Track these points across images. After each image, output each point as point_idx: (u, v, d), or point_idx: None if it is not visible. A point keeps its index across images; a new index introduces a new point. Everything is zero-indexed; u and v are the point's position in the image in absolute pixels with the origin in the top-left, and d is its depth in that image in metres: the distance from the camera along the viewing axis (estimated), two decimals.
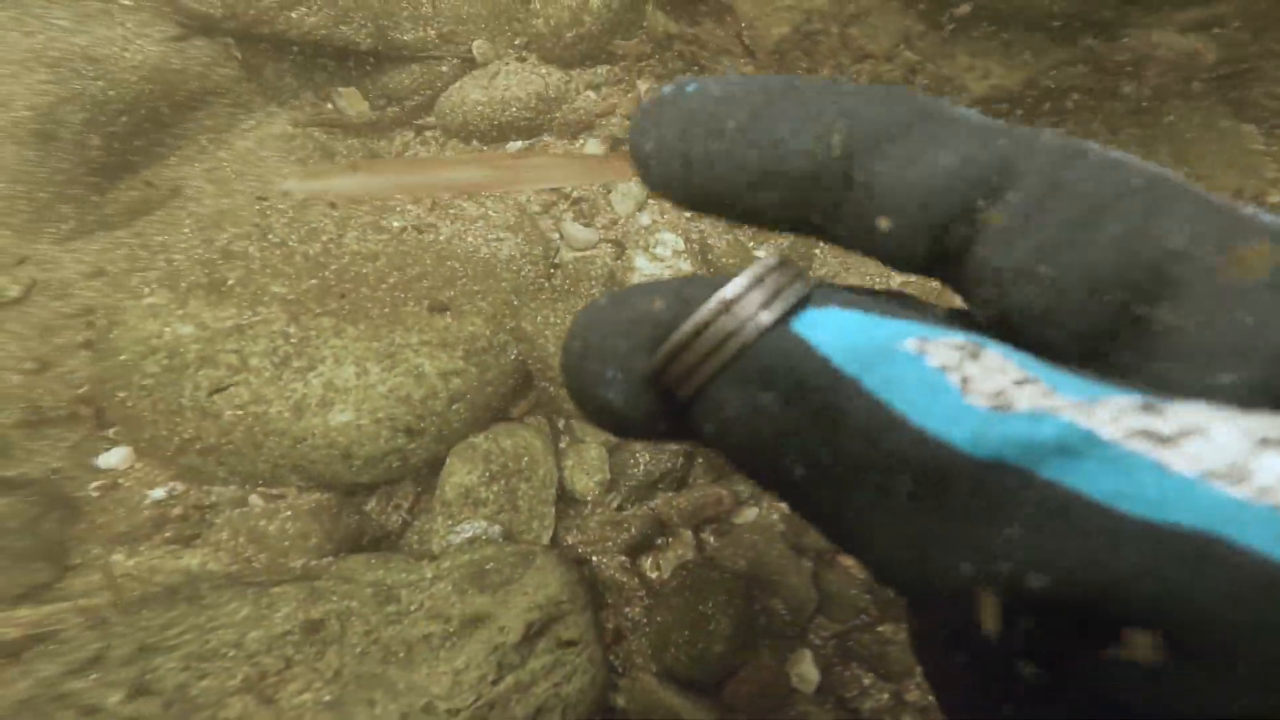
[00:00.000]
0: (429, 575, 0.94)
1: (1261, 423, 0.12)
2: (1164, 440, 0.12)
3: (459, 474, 1.03)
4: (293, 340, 0.97)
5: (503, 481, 1.05)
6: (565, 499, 1.09)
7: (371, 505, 1.08)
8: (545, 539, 1.06)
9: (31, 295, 1.09)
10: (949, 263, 0.16)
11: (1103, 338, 0.15)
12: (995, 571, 0.13)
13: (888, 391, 0.14)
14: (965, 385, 0.13)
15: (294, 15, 1.35)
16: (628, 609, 1.02)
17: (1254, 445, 0.11)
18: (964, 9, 0.93)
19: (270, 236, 1.07)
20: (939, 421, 0.13)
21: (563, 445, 1.11)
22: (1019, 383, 0.13)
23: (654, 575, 1.05)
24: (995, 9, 0.92)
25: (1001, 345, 0.14)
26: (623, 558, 1.06)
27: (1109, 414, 0.12)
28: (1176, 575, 0.11)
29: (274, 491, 1.01)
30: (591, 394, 0.17)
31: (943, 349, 0.14)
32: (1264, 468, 0.11)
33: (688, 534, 1.07)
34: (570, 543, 1.09)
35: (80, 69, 1.18)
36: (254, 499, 1.01)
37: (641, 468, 1.07)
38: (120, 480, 1.02)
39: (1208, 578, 0.11)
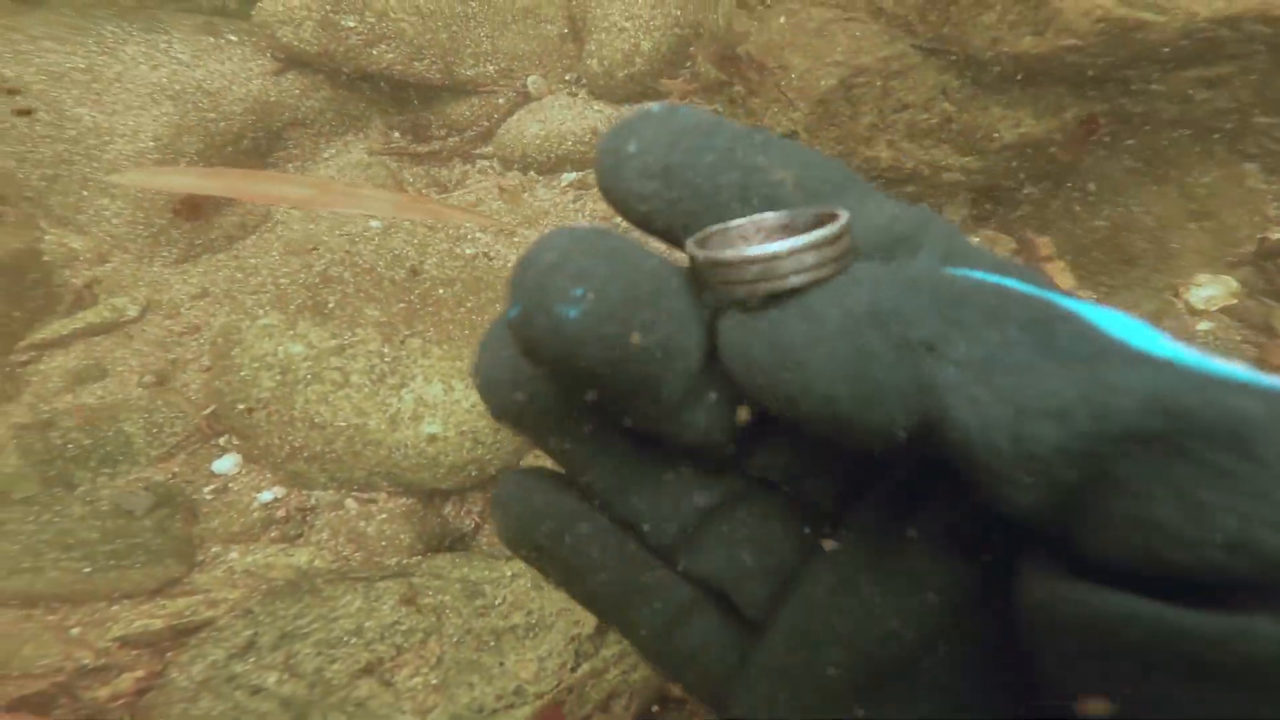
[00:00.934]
0: (508, 573, 1.07)
1: None
2: None
3: None
4: (387, 359, 1.10)
5: None
6: None
7: (449, 509, 1.21)
8: None
9: (147, 314, 1.24)
10: None
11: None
12: (1074, 402, 0.14)
13: (1107, 321, 0.14)
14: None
15: (374, 52, 1.49)
16: None
17: None
18: (997, 70, 1.05)
19: (360, 262, 1.21)
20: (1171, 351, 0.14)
21: None
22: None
23: None
24: (1027, 68, 1.04)
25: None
26: None
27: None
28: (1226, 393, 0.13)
29: (366, 496, 1.15)
30: (548, 310, 0.16)
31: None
32: None
33: None
34: None
35: (197, 101, 1.32)
36: (349, 502, 1.14)
37: None
38: (230, 485, 1.16)
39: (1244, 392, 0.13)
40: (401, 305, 1.15)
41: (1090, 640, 0.14)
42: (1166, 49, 0.98)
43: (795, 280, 0.16)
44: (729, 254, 0.16)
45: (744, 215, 0.18)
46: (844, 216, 0.17)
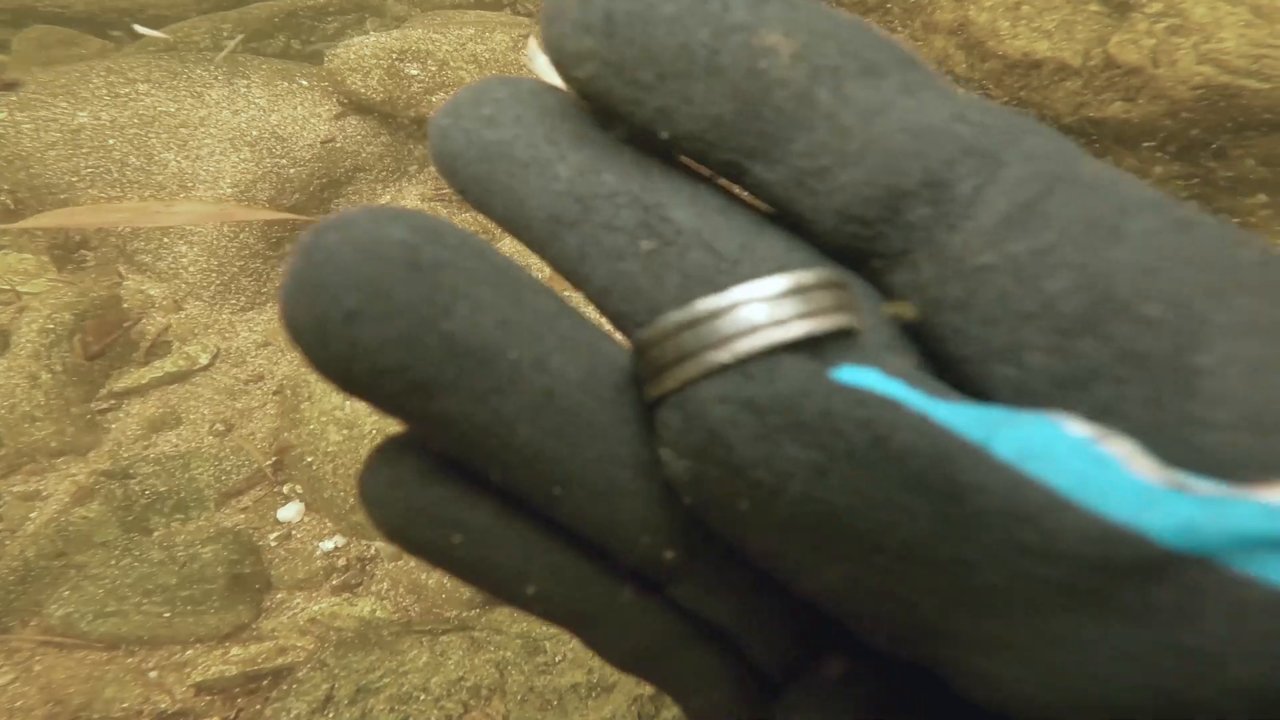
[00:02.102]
0: None
1: None
2: None
3: None
4: None
5: None
6: None
7: None
8: None
9: (216, 362, 1.31)
10: (888, 249, 0.14)
11: (1073, 384, 0.12)
12: (1190, 677, 0.11)
13: (1034, 464, 0.11)
14: (1127, 459, 0.11)
15: (434, 99, 1.56)
16: None
17: None
18: (1079, 132, 1.06)
19: None
20: (1120, 505, 0.11)
21: None
22: (1163, 467, 0.11)
23: None
24: (1114, 132, 1.05)
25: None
26: None
27: None
28: None
29: None
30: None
31: (1079, 421, 0.12)
32: None
33: None
34: None
35: (271, 147, 1.39)
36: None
37: None
38: (294, 532, 1.22)
39: None
40: None
41: None
42: (1267, 114, 0.99)
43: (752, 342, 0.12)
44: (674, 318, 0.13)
45: (716, 95, 0.14)
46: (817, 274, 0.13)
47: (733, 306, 0.13)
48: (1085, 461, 0.11)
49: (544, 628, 1.09)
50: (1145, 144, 1.04)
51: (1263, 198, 1.11)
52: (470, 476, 0.15)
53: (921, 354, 0.14)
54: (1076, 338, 0.12)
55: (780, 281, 0.13)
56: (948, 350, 0.14)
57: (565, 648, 1.08)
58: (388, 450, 0.16)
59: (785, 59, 0.13)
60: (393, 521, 0.16)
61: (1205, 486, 0.11)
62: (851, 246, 0.14)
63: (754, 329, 0.12)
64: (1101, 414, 0.12)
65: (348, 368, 0.13)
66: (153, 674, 1.07)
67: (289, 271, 0.13)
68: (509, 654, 1.05)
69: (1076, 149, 0.14)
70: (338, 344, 0.13)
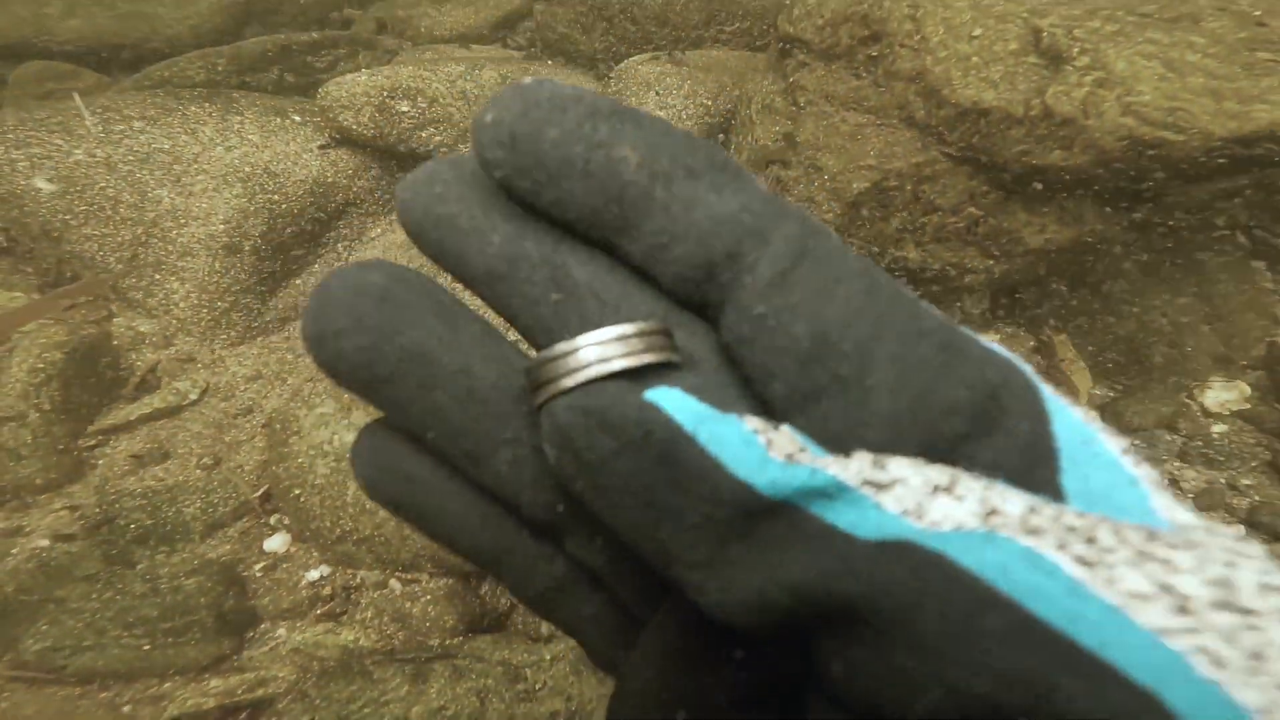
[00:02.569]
0: (548, 657, 1.14)
1: (937, 474, 0.17)
2: (881, 487, 0.17)
3: None
4: None
5: None
6: None
7: (485, 589, 1.28)
8: None
9: (205, 397, 1.34)
10: (712, 300, 0.20)
11: (810, 397, 0.19)
12: (782, 583, 0.17)
13: (715, 445, 0.18)
14: (770, 445, 0.18)
15: (424, 134, 1.62)
16: None
17: (929, 491, 0.17)
18: (1024, 179, 1.14)
19: None
20: (749, 470, 0.17)
21: None
22: (801, 449, 0.18)
23: None
24: (1054, 179, 1.13)
25: (790, 426, 0.19)
26: None
27: (855, 468, 0.17)
28: (881, 571, 0.16)
29: (410, 576, 1.22)
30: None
31: (755, 420, 0.18)
32: (934, 507, 0.16)
33: None
34: None
35: (263, 183, 1.44)
36: (393, 583, 1.22)
37: None
38: (280, 563, 1.24)
39: (897, 566, 0.16)
40: None
41: None
42: (1185, 165, 1.07)
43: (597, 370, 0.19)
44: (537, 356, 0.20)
45: (588, 191, 0.20)
46: (643, 325, 0.20)
47: (576, 349, 0.19)
48: (741, 443, 0.18)
49: (525, 655, 1.12)
50: (1080, 191, 1.12)
51: (1201, 239, 1.20)
52: (424, 448, 0.23)
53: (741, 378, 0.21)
54: (810, 365, 0.19)
55: (611, 331, 0.19)
56: (747, 373, 0.20)
57: (545, 675, 1.10)
58: (371, 428, 0.24)
59: (633, 166, 0.19)
60: (369, 476, 0.23)
61: (809, 459, 0.18)
62: (690, 298, 0.21)
63: (588, 365, 0.19)
64: (823, 419, 0.19)
65: (336, 366, 0.21)
66: (126, 708, 1.07)
67: (308, 302, 0.21)
68: (490, 682, 1.07)
69: (824, 230, 0.20)
70: (330, 350, 0.21)
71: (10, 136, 1.43)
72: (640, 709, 0.22)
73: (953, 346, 0.19)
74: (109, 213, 1.37)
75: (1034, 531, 0.16)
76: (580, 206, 0.20)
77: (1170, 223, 1.17)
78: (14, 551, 1.18)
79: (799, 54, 1.51)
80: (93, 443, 1.26)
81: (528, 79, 0.21)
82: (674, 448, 0.18)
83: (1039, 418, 0.18)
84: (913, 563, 0.16)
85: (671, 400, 0.18)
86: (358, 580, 1.22)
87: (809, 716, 0.20)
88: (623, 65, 1.81)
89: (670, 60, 1.81)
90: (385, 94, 1.61)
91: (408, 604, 1.17)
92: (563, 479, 0.20)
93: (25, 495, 1.22)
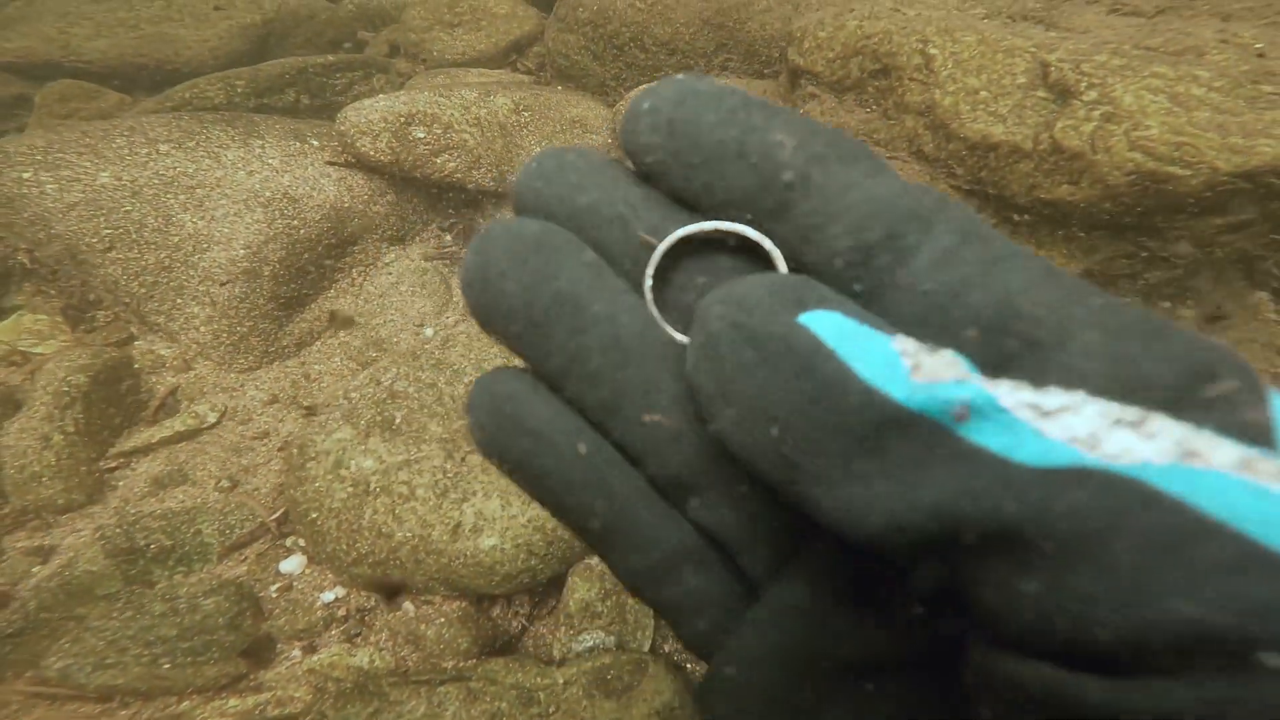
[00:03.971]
0: (560, 680, 1.17)
1: (1122, 410, 0.16)
2: (1045, 413, 0.16)
3: (580, 590, 1.27)
4: (450, 475, 1.23)
5: (614, 597, 1.28)
6: None
7: (497, 612, 1.32)
8: (645, 646, 1.29)
9: (224, 420, 1.39)
10: (865, 283, 0.20)
11: (999, 367, 0.18)
12: (919, 504, 0.16)
13: (853, 358, 0.17)
14: (915, 368, 0.17)
15: (439, 161, 1.68)
16: None
17: (1110, 424, 0.16)
18: (1032, 211, 1.18)
19: (422, 377, 1.35)
20: (885, 382, 0.17)
21: None
22: (950, 365, 0.17)
23: None
24: (1062, 211, 1.17)
25: (955, 352, 0.18)
26: None
27: (1008, 388, 0.17)
28: (1056, 495, 0.15)
29: (423, 599, 1.26)
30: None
31: (908, 341, 0.18)
32: (1112, 439, 0.16)
33: None
34: (667, 650, 1.31)
35: (283, 208, 1.49)
36: (407, 605, 1.26)
37: None
38: (295, 584, 1.28)
39: (1078, 490, 0.15)
40: (462, 421, 1.28)
41: (1012, 701, 0.17)
42: (1191, 199, 1.11)
43: None
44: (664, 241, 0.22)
45: (743, 173, 0.21)
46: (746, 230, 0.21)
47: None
48: (882, 358, 0.18)
49: (538, 678, 1.15)
50: (1088, 224, 1.16)
51: (1206, 274, 1.23)
52: (551, 403, 0.23)
53: None
54: (996, 333, 0.19)
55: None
56: None
57: (559, 698, 1.13)
58: (490, 380, 0.24)
59: (789, 150, 0.20)
60: (488, 430, 0.24)
61: (949, 378, 0.17)
62: (840, 281, 0.21)
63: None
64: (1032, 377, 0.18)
65: (497, 306, 0.23)
66: None
67: (468, 250, 0.23)
68: (504, 705, 1.11)
69: (980, 218, 0.21)
70: (494, 290, 0.23)
71: (39, 159, 1.49)
72: (763, 672, 0.22)
73: (1155, 320, 0.18)
74: (134, 237, 1.43)
75: (1250, 471, 0.15)
76: (734, 189, 0.21)
77: (1176, 255, 1.21)
78: (35, 570, 1.23)
79: (808, 85, 1.56)
80: (114, 464, 1.31)
81: (680, 75, 0.22)
82: (812, 360, 0.18)
83: (1257, 398, 0.17)
84: (1098, 487, 0.15)
85: (823, 321, 0.18)
86: (372, 602, 1.26)
87: (964, 674, 0.19)
88: (634, 93, 1.86)
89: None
90: (402, 121, 1.66)
91: (422, 626, 1.21)
92: (695, 388, 0.20)
93: (47, 515, 1.27)
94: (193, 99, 1.96)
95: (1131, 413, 0.16)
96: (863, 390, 0.17)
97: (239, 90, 2.02)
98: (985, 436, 0.16)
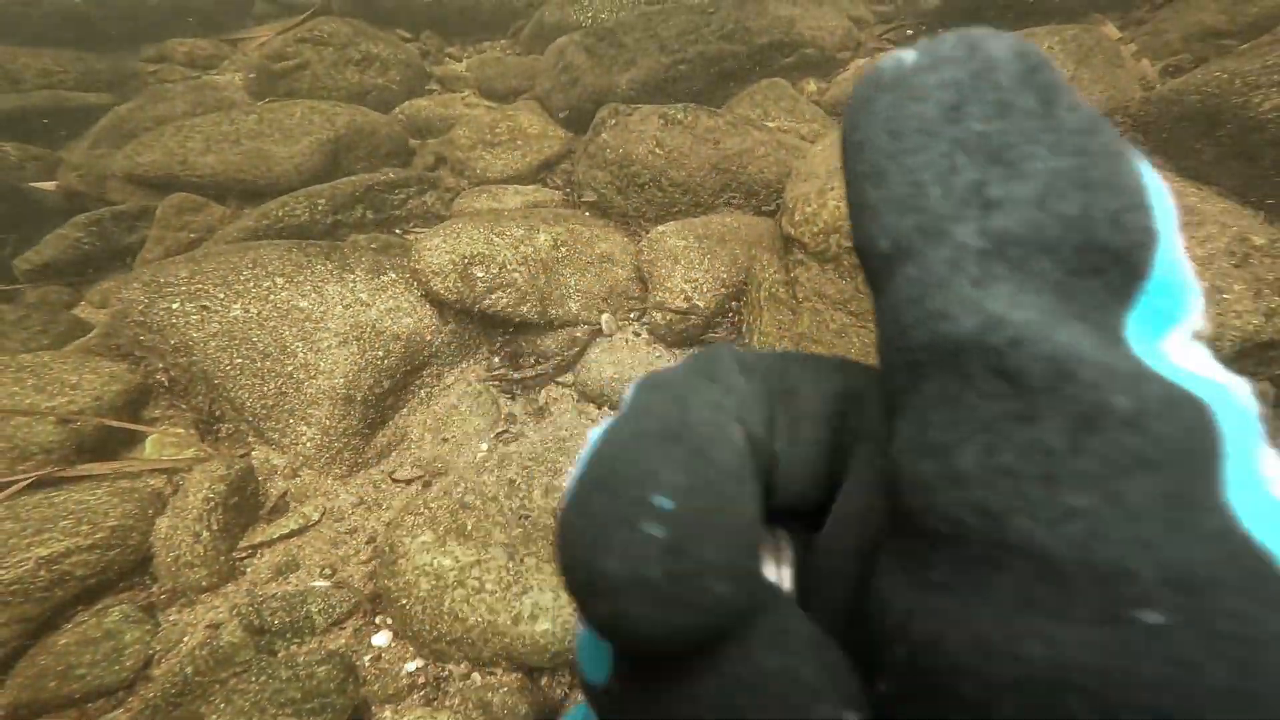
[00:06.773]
0: None
1: None
2: None
3: None
4: (511, 573, 1.64)
5: None
6: None
7: (545, 680, 1.72)
8: None
9: (323, 520, 1.79)
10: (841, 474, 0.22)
11: None
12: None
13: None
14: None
15: (493, 297, 2.10)
16: None
17: None
18: None
19: (485, 490, 1.76)
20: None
21: None
22: None
23: None
24: None
25: None
26: None
27: None
28: None
29: (488, 670, 1.66)
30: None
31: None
32: None
33: None
34: None
35: (372, 340, 1.91)
36: (475, 675, 1.65)
37: None
38: (383, 655, 1.68)
39: None
40: (519, 530, 1.70)
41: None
42: None
43: None
44: None
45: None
46: None
47: None
48: None
49: None
50: None
51: None
52: None
53: None
54: None
55: None
56: None
57: None
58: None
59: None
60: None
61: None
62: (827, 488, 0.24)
63: None
64: None
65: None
66: None
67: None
68: None
69: None
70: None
71: (183, 289, 1.91)
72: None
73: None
74: (258, 365, 1.84)
75: None
76: None
77: None
78: (185, 639, 1.62)
79: (797, 252, 2.00)
80: (243, 554, 1.71)
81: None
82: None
83: None
84: None
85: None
86: (446, 672, 1.66)
87: None
88: (653, 234, 2.30)
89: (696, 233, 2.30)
90: (465, 262, 2.09)
91: (488, 694, 1.61)
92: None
93: (192, 594, 1.67)
94: (284, 216, 2.39)
95: None
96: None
97: (319, 208, 2.45)
98: None
